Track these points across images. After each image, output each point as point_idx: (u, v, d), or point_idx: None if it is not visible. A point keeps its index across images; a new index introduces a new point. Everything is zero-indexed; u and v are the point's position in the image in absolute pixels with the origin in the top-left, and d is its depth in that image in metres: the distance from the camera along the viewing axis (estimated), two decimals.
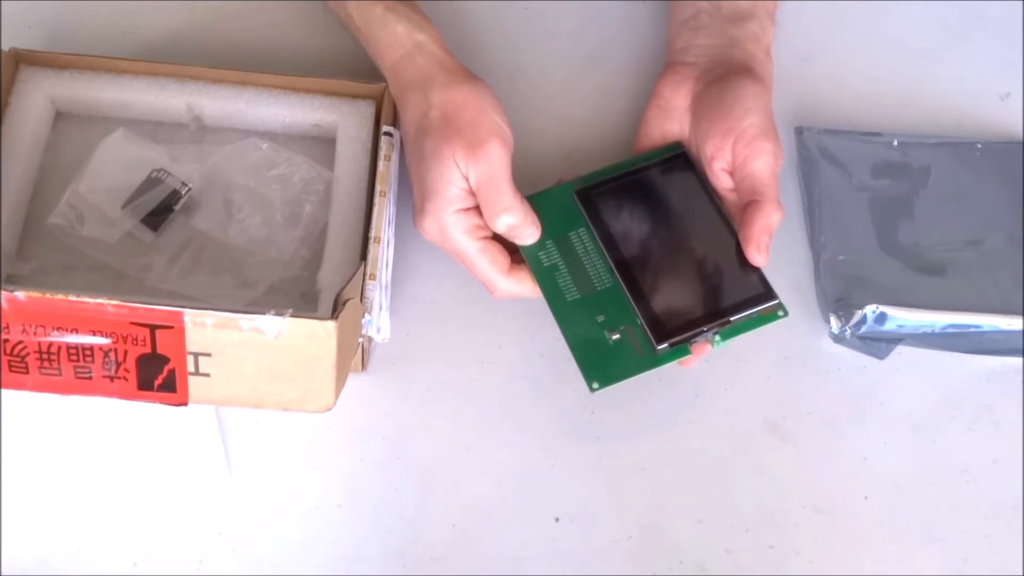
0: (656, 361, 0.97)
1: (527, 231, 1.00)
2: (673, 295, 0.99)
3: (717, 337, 0.97)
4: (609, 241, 1.01)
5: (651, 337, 0.96)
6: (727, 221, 1.01)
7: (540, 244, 1.01)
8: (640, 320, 0.97)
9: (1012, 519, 1.01)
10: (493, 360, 1.05)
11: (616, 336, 0.97)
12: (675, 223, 1.03)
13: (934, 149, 1.15)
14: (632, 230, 1.02)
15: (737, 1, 1.10)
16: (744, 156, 1.00)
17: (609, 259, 1.00)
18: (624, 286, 0.99)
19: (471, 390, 1.03)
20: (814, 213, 1.10)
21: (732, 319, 0.97)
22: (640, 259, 1.00)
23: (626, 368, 0.97)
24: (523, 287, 1.01)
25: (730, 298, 0.98)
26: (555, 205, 1.03)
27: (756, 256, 0.98)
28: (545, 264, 1.00)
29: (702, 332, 0.97)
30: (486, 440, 1.01)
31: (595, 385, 0.96)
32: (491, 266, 0.99)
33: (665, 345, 0.96)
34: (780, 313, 0.98)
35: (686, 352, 0.97)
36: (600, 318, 0.98)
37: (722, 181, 1.02)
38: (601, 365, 0.96)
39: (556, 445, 1.02)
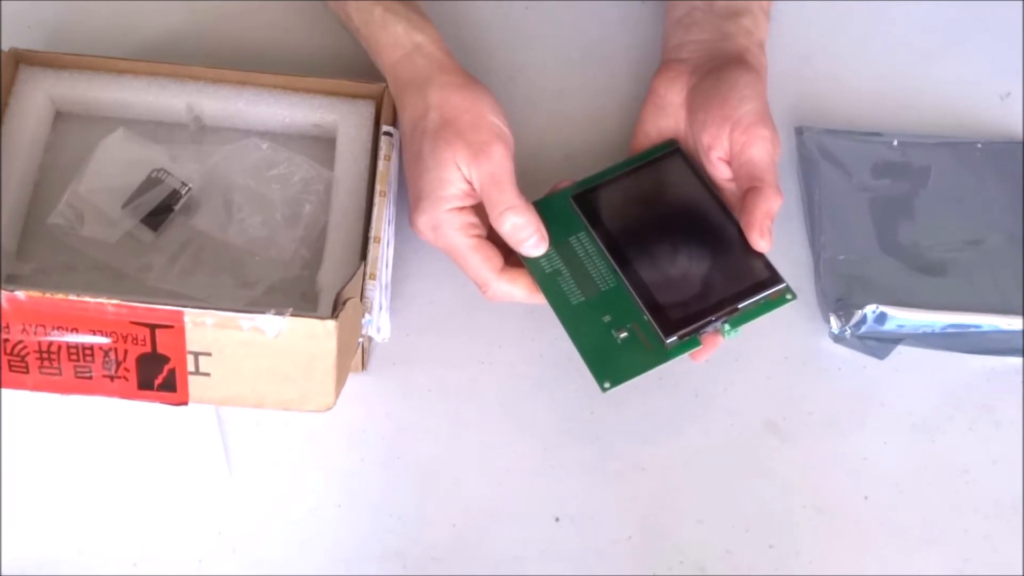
0: (666, 355, 0.96)
1: (532, 235, 0.99)
2: (678, 288, 0.98)
3: (727, 326, 0.96)
4: (609, 241, 1.00)
5: (658, 331, 0.96)
6: (727, 211, 1.01)
7: None
8: (646, 316, 0.97)
9: (1012, 519, 1.01)
10: (493, 360, 1.05)
11: (624, 334, 0.97)
12: (675, 217, 1.03)
13: (934, 149, 1.15)
14: (632, 228, 1.02)
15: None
16: (742, 143, 1.00)
17: (611, 259, 1.00)
18: (628, 284, 0.98)
19: (471, 390, 1.03)
20: (814, 213, 1.10)
21: (739, 306, 0.97)
22: (642, 256, 0.99)
23: (636, 365, 0.96)
24: (516, 288, 1.00)
25: (736, 286, 0.97)
26: (553, 212, 1.02)
27: (759, 241, 0.98)
28: (547, 271, 1.00)
29: (710, 322, 0.96)
30: (486, 440, 1.01)
31: (607, 384, 0.95)
32: (484, 263, 0.99)
33: (674, 338, 0.95)
34: (788, 296, 0.98)
35: (696, 344, 0.96)
36: (606, 318, 0.98)
37: (720, 171, 1.02)
38: (610, 364, 0.96)
39: (556, 445, 1.02)
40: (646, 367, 0.96)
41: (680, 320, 0.96)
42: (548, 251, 1.00)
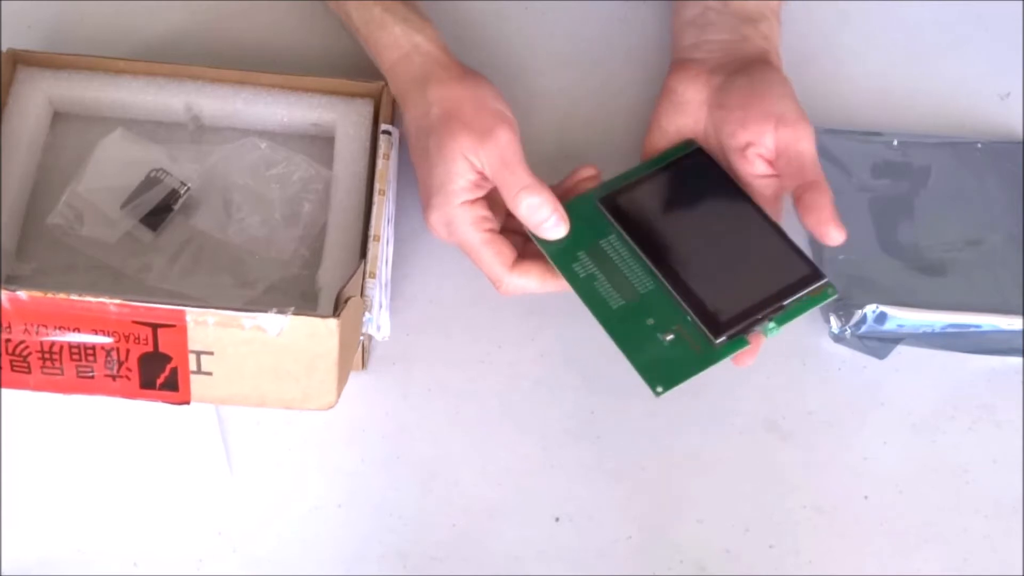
0: (716, 356, 0.94)
1: (551, 215, 0.97)
2: (720, 287, 0.96)
3: (771, 324, 0.95)
4: (644, 243, 0.99)
5: (706, 332, 0.94)
6: (759, 209, 1.00)
7: (572, 256, 0.99)
8: (691, 317, 0.95)
9: (1012, 519, 1.01)
10: (493, 360, 1.04)
11: (670, 337, 0.95)
12: (706, 217, 1.02)
13: (934, 149, 1.15)
14: (664, 229, 1.00)
15: (745, 1, 1.10)
16: (789, 138, 0.99)
17: (648, 260, 0.98)
18: (668, 285, 0.96)
19: (471, 390, 1.03)
20: None
21: (785, 303, 0.95)
22: (679, 256, 0.98)
23: (687, 367, 0.94)
24: (528, 280, 0.99)
25: (779, 283, 0.96)
26: (579, 216, 1.00)
27: (836, 234, 0.96)
28: (582, 276, 0.98)
29: (758, 320, 0.95)
30: (486, 440, 1.01)
31: (659, 389, 0.93)
32: (496, 258, 0.98)
33: (723, 338, 0.94)
34: (830, 292, 0.96)
35: (744, 343, 0.94)
36: (650, 321, 0.96)
37: (754, 167, 1.01)
38: (661, 367, 0.94)
39: (556, 445, 1.01)
40: (697, 368, 0.94)
41: (728, 320, 0.94)
42: (580, 256, 0.99)
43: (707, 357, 0.94)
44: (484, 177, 0.98)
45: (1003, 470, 1.03)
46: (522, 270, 0.99)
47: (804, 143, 0.99)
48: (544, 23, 1.21)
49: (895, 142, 1.15)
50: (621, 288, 0.98)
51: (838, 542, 1.00)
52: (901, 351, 1.05)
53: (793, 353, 1.06)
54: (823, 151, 1.12)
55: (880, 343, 1.05)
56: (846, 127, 1.15)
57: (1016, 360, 1.07)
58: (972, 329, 1.06)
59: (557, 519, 0.99)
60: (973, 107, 1.19)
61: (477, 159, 0.97)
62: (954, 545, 1.00)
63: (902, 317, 1.04)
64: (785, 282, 0.96)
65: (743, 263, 0.99)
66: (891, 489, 1.01)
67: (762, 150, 1.01)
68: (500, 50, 1.18)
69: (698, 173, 1.04)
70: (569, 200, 1.01)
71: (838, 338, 1.06)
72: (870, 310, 1.04)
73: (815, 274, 0.97)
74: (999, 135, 1.17)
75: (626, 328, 0.96)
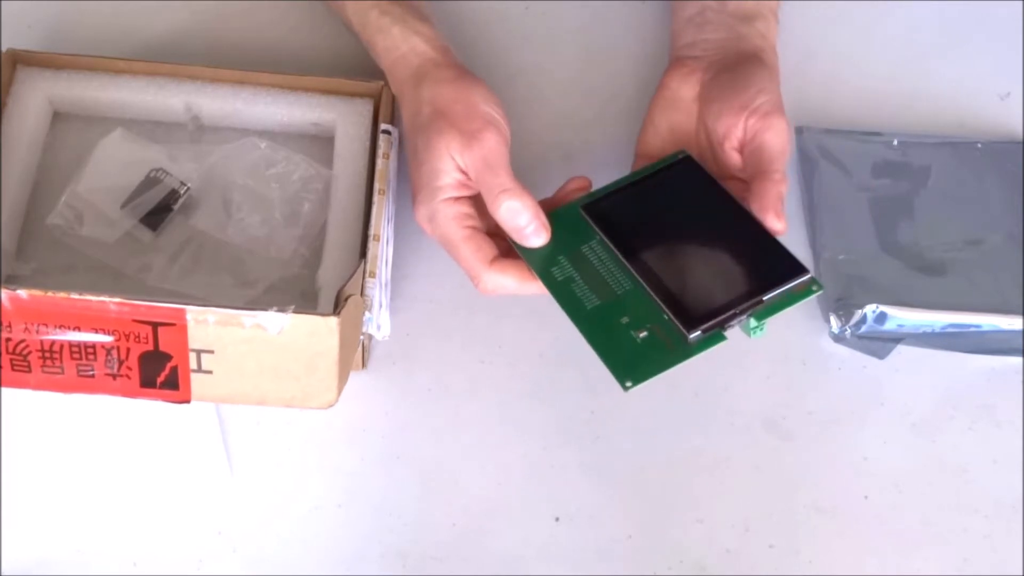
0: (689, 352, 0.91)
1: (531, 222, 0.96)
2: (699, 285, 0.95)
3: (752, 321, 0.92)
4: (624, 245, 0.97)
5: (680, 327, 0.91)
6: (745, 211, 0.97)
7: (552, 260, 0.97)
8: (667, 315, 0.93)
9: (1012, 519, 1.01)
10: (493, 360, 1.04)
11: (644, 334, 0.93)
12: (690, 220, 0.99)
13: (934, 149, 1.15)
14: (646, 231, 0.98)
15: (743, 0, 1.10)
16: (756, 129, 0.99)
17: (626, 262, 0.96)
18: (646, 285, 0.94)
19: (471, 390, 1.03)
20: (814, 213, 1.10)
21: (764, 298, 0.92)
22: (659, 257, 0.96)
23: (659, 363, 0.91)
24: (507, 279, 0.98)
25: (759, 278, 0.93)
26: (563, 224, 0.99)
27: (776, 223, 0.95)
28: (560, 278, 0.96)
29: (735, 315, 0.92)
30: (486, 440, 1.01)
31: (628, 384, 0.91)
32: (474, 255, 0.97)
33: (697, 333, 0.91)
34: (814, 288, 0.93)
35: (721, 339, 0.92)
36: (624, 320, 0.94)
37: (734, 160, 1.01)
38: (631, 363, 0.92)
39: (556, 445, 1.01)
40: (669, 364, 0.91)
41: (702, 314, 0.92)
42: (560, 260, 0.97)
43: (680, 353, 0.92)
44: (470, 177, 0.98)
45: (1003, 470, 1.03)
46: (501, 268, 0.97)
47: (769, 134, 0.99)
48: (544, 24, 1.21)
49: (895, 142, 1.15)
50: (598, 289, 0.96)
51: (838, 542, 0.99)
52: (901, 351, 1.05)
53: (793, 353, 1.06)
54: (823, 151, 1.12)
55: (880, 343, 1.05)
56: (846, 127, 1.16)
57: (1016, 360, 1.07)
58: (972, 329, 1.06)
59: (557, 519, 0.99)
60: (973, 107, 1.19)
61: (462, 159, 0.97)
62: (954, 545, 1.00)
63: (902, 317, 1.04)
64: (765, 277, 0.94)
65: (724, 262, 0.97)
66: (891, 489, 1.01)
67: (735, 143, 1.01)
68: (500, 50, 1.19)
69: (684, 179, 1.01)
70: (553, 210, 1.00)
71: (838, 338, 1.06)
72: (870, 310, 1.04)
73: (797, 269, 0.94)
74: (999, 135, 1.17)
75: (599, 325, 0.94)
